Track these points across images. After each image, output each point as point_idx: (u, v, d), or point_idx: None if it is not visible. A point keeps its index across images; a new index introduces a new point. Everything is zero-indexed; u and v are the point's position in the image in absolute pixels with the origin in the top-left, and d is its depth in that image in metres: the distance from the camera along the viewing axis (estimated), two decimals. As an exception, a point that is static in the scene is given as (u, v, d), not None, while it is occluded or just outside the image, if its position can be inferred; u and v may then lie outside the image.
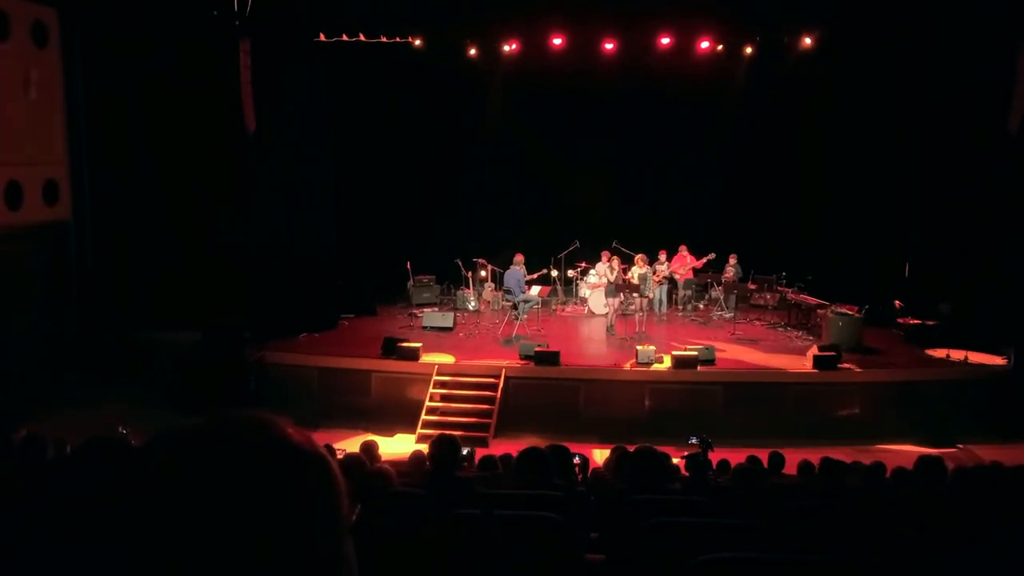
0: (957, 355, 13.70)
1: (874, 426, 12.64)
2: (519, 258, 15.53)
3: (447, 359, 13.78)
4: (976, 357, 13.63)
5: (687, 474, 7.63)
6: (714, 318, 16.69)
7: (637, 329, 15.20)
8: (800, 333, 15.44)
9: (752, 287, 16.94)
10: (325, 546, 0.92)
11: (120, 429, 8.92)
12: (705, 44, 16.74)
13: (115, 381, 14.61)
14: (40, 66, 14.57)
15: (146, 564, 0.86)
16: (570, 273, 17.52)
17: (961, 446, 12.06)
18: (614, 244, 16.64)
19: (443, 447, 5.34)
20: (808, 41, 16.55)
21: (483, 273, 17.37)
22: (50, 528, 3.25)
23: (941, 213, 15.04)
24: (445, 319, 15.78)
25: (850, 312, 14.59)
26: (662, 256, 16.76)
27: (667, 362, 13.29)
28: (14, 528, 3.34)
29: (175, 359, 14.24)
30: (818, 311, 15.16)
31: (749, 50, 17.27)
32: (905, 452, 11.00)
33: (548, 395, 13.14)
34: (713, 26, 16.39)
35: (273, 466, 0.91)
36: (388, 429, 12.57)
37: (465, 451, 8.48)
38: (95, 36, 15.32)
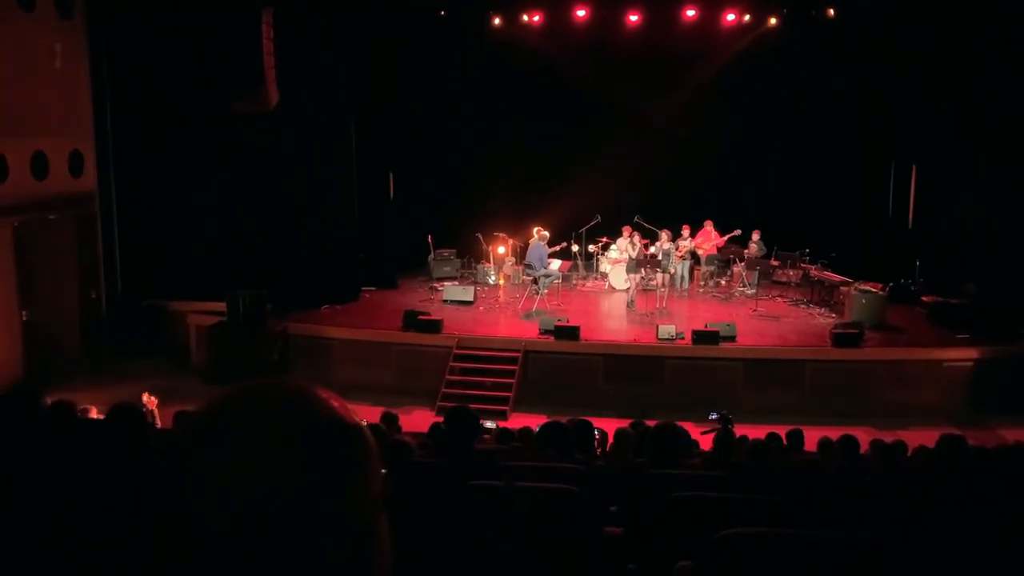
0: (981, 333, 13.54)
1: (897, 404, 12.55)
2: (543, 233, 15.46)
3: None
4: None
5: (707, 449, 7.64)
6: (736, 294, 16.58)
7: (658, 305, 15.14)
8: (823, 310, 15.31)
9: (775, 263, 16.77)
10: (360, 519, 0.90)
11: (144, 396, 9.04)
12: (731, 16, 16.50)
13: (140, 349, 14.81)
14: (65, 38, 14.62)
15: (179, 534, 0.85)
16: (591, 248, 17.44)
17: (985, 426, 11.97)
18: (636, 219, 16.55)
19: (462, 419, 5.36)
20: (832, 13, 16.25)
21: (502, 248, 17.34)
22: (74, 499, 3.30)
23: (968, 193, 14.82)
24: (465, 293, 15.80)
25: (874, 289, 14.45)
26: (685, 231, 16.62)
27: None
28: (36, 500, 3.40)
29: (198, 329, 14.41)
30: (841, 288, 15.02)
31: (774, 22, 17.01)
32: (928, 431, 10.90)
33: (568, 369, 13.16)
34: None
35: (311, 434, 0.89)
36: (408, 401, 12.64)
37: (489, 424, 8.54)
38: (119, 7, 15.33)
